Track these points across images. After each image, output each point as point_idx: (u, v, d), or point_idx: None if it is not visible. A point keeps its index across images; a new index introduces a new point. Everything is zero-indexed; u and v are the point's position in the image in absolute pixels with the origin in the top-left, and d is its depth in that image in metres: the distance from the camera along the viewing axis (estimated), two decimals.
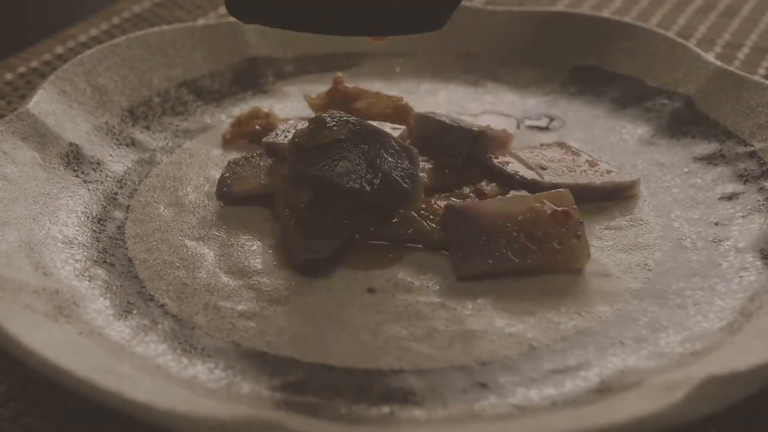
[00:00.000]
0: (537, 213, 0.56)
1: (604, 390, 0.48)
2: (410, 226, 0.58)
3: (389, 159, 0.59)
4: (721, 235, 0.58)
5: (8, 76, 0.74)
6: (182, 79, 0.71)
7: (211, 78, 0.72)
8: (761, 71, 0.78)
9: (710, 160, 0.64)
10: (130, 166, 0.64)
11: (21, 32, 0.83)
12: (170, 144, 0.67)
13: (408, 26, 0.59)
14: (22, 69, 0.75)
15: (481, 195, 0.60)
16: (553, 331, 0.52)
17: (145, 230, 0.59)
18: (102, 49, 0.70)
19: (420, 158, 0.63)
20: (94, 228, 0.59)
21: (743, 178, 0.62)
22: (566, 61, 0.74)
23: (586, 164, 0.63)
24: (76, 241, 0.58)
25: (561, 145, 0.66)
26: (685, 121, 0.67)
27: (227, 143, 0.67)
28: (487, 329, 0.52)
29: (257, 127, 0.67)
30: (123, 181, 0.63)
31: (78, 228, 0.59)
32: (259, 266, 0.57)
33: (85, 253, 0.57)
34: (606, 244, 0.58)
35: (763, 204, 0.60)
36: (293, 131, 0.61)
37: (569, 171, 0.62)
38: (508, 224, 0.56)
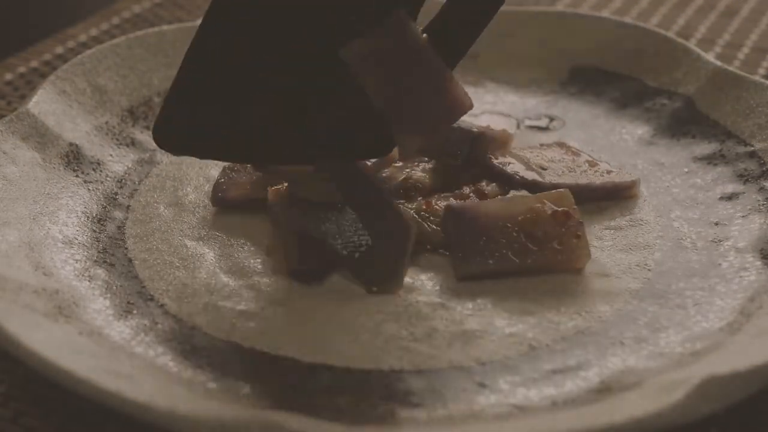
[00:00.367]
0: (537, 213, 0.56)
1: (604, 390, 0.48)
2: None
3: (380, 237, 0.56)
4: (721, 235, 0.58)
5: (8, 76, 0.74)
6: None
7: None
8: (761, 71, 0.78)
9: (710, 160, 0.64)
10: (130, 166, 0.64)
11: (21, 32, 0.83)
12: None
13: (354, 154, 0.58)
14: (22, 69, 0.75)
15: (481, 195, 0.60)
16: (553, 331, 0.52)
17: (145, 230, 0.59)
18: (102, 49, 0.69)
19: (420, 158, 0.63)
20: (94, 228, 0.59)
21: (743, 178, 0.62)
22: (566, 61, 0.74)
23: (586, 164, 0.63)
24: (76, 241, 0.58)
25: (561, 145, 0.66)
26: (685, 121, 0.67)
27: None
28: (487, 329, 0.52)
29: None
30: (123, 181, 0.63)
31: (78, 228, 0.59)
32: (259, 266, 0.57)
33: (85, 253, 0.57)
34: (606, 244, 0.58)
35: (763, 204, 0.60)
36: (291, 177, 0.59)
37: (569, 171, 0.62)
38: (508, 224, 0.56)
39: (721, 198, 0.61)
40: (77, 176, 0.62)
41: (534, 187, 0.60)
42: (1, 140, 0.61)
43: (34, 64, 0.76)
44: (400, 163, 0.62)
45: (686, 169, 0.64)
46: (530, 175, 0.61)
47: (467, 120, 0.65)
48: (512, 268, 0.55)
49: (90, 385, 0.45)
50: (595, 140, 0.68)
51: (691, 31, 0.84)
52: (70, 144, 0.63)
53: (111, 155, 0.65)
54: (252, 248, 0.58)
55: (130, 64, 0.70)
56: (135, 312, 0.53)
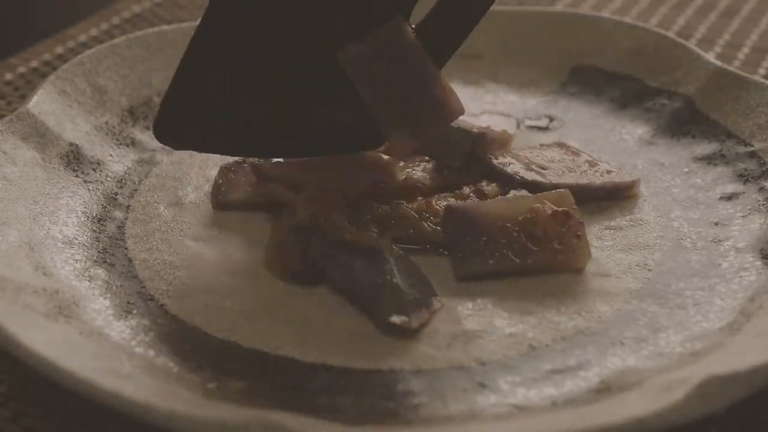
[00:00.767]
0: (537, 213, 0.56)
1: (604, 390, 0.48)
2: (411, 227, 0.58)
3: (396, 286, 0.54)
4: (721, 235, 0.58)
5: (8, 76, 0.74)
6: None
7: None
8: (761, 71, 0.78)
9: (710, 160, 0.64)
10: (130, 166, 0.64)
11: (21, 32, 0.83)
12: None
13: (349, 147, 0.60)
14: (22, 69, 0.75)
15: (481, 195, 0.60)
16: (553, 331, 0.52)
17: (145, 230, 0.59)
18: (102, 49, 0.69)
19: (421, 158, 0.63)
20: (94, 228, 0.59)
21: (743, 178, 0.62)
22: (566, 61, 0.74)
23: (586, 164, 0.63)
24: (76, 241, 0.58)
25: (561, 145, 0.66)
26: (685, 121, 0.67)
27: None
28: (487, 329, 0.52)
29: None
30: (123, 181, 0.63)
31: (78, 228, 0.59)
32: (259, 267, 0.57)
33: (85, 253, 0.57)
34: (606, 244, 0.58)
35: (763, 204, 0.60)
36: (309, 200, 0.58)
37: (569, 171, 0.62)
38: (509, 224, 0.56)
39: (721, 198, 0.61)
40: (77, 176, 0.62)
41: (534, 187, 0.60)
42: (1, 140, 0.61)
43: (34, 64, 0.76)
44: (402, 163, 0.62)
45: (686, 169, 0.64)
46: (530, 175, 0.61)
47: (467, 120, 0.65)
48: (512, 268, 0.55)
49: (90, 385, 0.45)
50: (595, 140, 0.68)
51: (691, 31, 0.84)
52: (70, 144, 0.63)
53: (111, 155, 0.65)
54: (252, 248, 0.58)
55: (130, 64, 0.70)
56: (135, 312, 0.53)
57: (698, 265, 0.57)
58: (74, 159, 0.63)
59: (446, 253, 0.57)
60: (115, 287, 0.55)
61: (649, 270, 0.56)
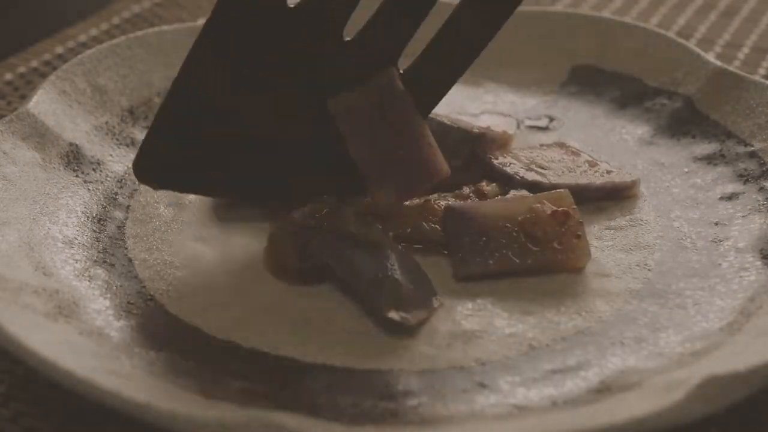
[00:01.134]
0: (537, 213, 0.56)
1: (604, 390, 0.48)
2: (410, 226, 0.58)
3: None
4: (721, 235, 0.58)
5: (8, 76, 0.74)
6: None
7: None
8: (761, 71, 0.78)
9: (710, 160, 0.64)
10: (130, 166, 0.64)
11: (21, 32, 0.83)
12: None
13: (330, 193, 0.58)
14: (22, 69, 0.75)
15: (481, 195, 0.60)
16: (553, 331, 0.52)
17: (145, 230, 0.59)
18: (102, 49, 0.69)
19: None
20: (94, 228, 0.59)
21: (743, 178, 0.62)
22: (566, 61, 0.74)
23: (586, 164, 0.63)
24: (76, 241, 0.58)
25: (561, 145, 0.66)
26: (685, 121, 0.67)
27: None
28: (487, 329, 0.52)
29: None
30: (123, 181, 0.63)
31: (78, 228, 0.59)
32: (259, 266, 0.57)
33: (85, 253, 0.57)
34: (606, 244, 0.58)
35: (763, 204, 0.60)
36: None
37: (569, 171, 0.62)
38: (508, 225, 0.56)
39: (721, 198, 0.61)
40: (77, 176, 0.62)
41: (534, 187, 0.60)
42: (1, 140, 0.61)
43: (34, 64, 0.76)
44: None
45: (686, 169, 0.64)
46: (530, 175, 0.61)
47: (467, 120, 0.65)
48: (512, 268, 0.55)
49: (90, 385, 0.45)
50: (595, 140, 0.68)
51: (691, 31, 0.84)
52: (70, 144, 0.63)
53: (111, 155, 0.65)
54: (252, 248, 0.58)
55: (130, 64, 0.70)
56: (135, 312, 0.53)
57: (698, 265, 0.57)
58: (74, 159, 0.63)
59: (446, 252, 0.57)
60: (115, 287, 0.55)
61: (649, 270, 0.57)
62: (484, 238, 0.56)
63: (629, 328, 0.52)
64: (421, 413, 0.47)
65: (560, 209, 0.56)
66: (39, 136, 0.62)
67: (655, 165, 0.65)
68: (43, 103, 0.64)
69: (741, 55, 0.80)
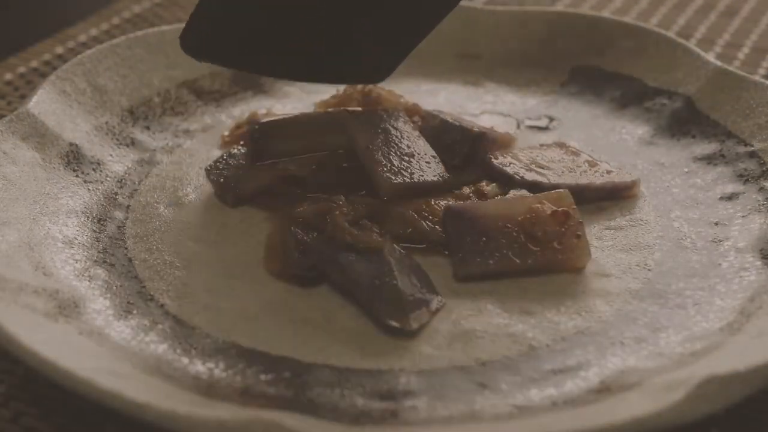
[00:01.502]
0: (537, 213, 0.56)
1: (604, 390, 0.48)
2: (410, 226, 0.58)
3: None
4: (721, 235, 0.58)
5: (8, 76, 0.74)
6: (182, 79, 0.71)
7: (211, 78, 0.72)
8: (761, 71, 0.78)
9: (710, 160, 0.64)
10: (130, 166, 0.64)
11: (21, 32, 0.83)
12: (170, 144, 0.67)
13: (354, 78, 0.64)
14: (22, 69, 0.75)
15: (481, 195, 0.60)
16: (553, 331, 0.52)
17: (145, 230, 0.59)
18: (102, 49, 0.70)
19: None
20: (94, 228, 0.59)
21: (743, 178, 0.62)
22: (566, 61, 0.74)
23: (586, 164, 0.63)
24: (76, 241, 0.58)
25: (561, 145, 0.66)
26: (685, 121, 0.67)
27: (226, 144, 0.67)
28: (487, 329, 0.52)
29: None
30: (123, 181, 0.63)
31: (78, 228, 0.59)
32: (259, 267, 0.57)
33: (85, 253, 0.57)
34: (606, 244, 0.58)
35: (763, 204, 0.60)
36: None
37: (569, 171, 0.62)
38: (508, 225, 0.56)
39: (721, 198, 0.61)
40: (77, 176, 0.62)
41: (534, 187, 0.60)
42: (1, 140, 0.61)
43: (34, 64, 0.76)
44: None
45: (686, 169, 0.64)
46: (530, 175, 0.61)
47: (468, 120, 0.65)
48: (512, 268, 0.55)
49: (90, 385, 0.45)
50: (595, 140, 0.68)
51: (691, 31, 0.84)
52: (70, 144, 0.63)
53: (111, 155, 0.65)
54: (252, 248, 0.58)
55: (130, 64, 0.70)
56: (135, 312, 0.53)
57: (698, 265, 0.57)
58: (74, 159, 0.63)
59: (446, 252, 0.57)
60: (115, 287, 0.55)
61: (649, 270, 0.57)
62: (484, 238, 0.56)
63: (629, 328, 0.52)
64: (421, 413, 0.47)
65: (560, 209, 0.56)
66: (39, 136, 0.62)
67: (655, 165, 0.65)
68: (43, 103, 0.64)
69: (741, 55, 0.80)
